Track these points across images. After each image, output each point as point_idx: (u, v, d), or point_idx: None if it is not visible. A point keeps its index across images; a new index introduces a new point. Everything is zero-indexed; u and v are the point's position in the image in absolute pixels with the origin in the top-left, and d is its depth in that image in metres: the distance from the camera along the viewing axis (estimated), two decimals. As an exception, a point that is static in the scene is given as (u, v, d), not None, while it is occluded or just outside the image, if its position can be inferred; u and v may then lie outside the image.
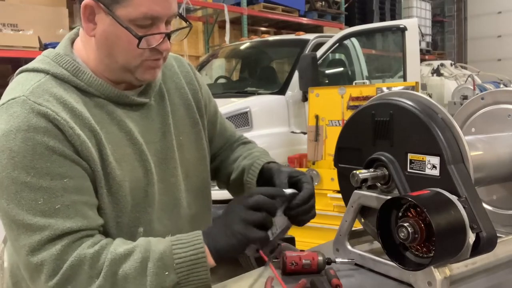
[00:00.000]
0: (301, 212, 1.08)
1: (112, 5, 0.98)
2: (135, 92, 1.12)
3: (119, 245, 0.95)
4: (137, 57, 1.03)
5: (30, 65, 1.07)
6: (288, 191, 1.07)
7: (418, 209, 0.94)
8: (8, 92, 1.02)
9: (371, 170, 1.13)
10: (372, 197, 1.13)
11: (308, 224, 1.12)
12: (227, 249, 0.97)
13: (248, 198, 0.99)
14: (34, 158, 0.93)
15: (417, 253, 0.98)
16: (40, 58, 1.08)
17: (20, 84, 1.02)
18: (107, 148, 1.03)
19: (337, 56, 4.97)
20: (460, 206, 0.95)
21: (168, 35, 1.04)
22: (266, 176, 1.21)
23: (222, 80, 5.37)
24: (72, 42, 1.12)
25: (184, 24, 1.13)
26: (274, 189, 1.11)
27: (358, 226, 1.25)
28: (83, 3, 1.01)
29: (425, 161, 1.05)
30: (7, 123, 0.94)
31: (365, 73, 4.81)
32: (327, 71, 4.81)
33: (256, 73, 5.26)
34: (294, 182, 1.13)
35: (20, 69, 1.08)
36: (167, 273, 0.92)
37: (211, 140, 1.33)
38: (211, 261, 0.96)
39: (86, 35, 1.05)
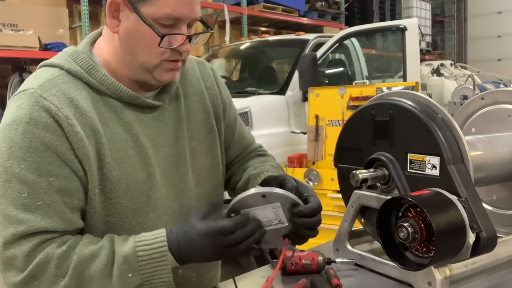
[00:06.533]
0: (305, 225, 1.03)
1: (137, 3, 1.01)
2: (151, 94, 1.13)
3: (86, 245, 0.97)
4: (157, 56, 1.04)
5: (49, 60, 1.10)
6: (290, 195, 1.02)
7: (418, 209, 0.94)
8: (23, 84, 1.06)
9: (371, 170, 1.13)
10: (372, 197, 1.13)
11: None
12: (197, 260, 1.00)
13: (223, 223, 0.97)
14: (28, 151, 0.95)
15: (417, 253, 0.98)
16: (59, 54, 1.11)
17: (34, 77, 1.07)
18: (107, 148, 1.03)
19: (337, 56, 4.97)
20: (460, 206, 0.95)
21: (189, 38, 1.05)
22: (268, 184, 1.18)
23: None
24: (93, 41, 1.14)
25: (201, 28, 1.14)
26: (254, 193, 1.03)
27: (358, 226, 1.25)
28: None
29: (425, 161, 1.04)
30: (13, 113, 0.99)
31: (365, 73, 4.80)
32: (327, 71, 4.80)
33: (256, 73, 5.25)
34: (299, 195, 1.08)
35: (41, 63, 1.12)
36: (130, 275, 0.95)
37: (228, 147, 1.31)
38: (173, 263, 0.99)
39: (110, 32, 1.07)
